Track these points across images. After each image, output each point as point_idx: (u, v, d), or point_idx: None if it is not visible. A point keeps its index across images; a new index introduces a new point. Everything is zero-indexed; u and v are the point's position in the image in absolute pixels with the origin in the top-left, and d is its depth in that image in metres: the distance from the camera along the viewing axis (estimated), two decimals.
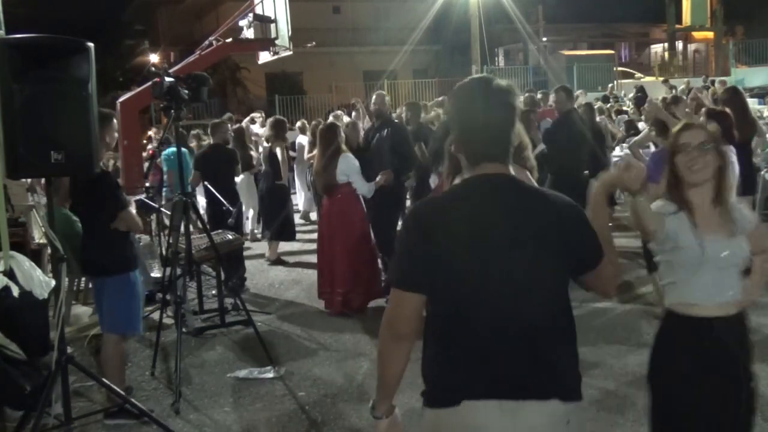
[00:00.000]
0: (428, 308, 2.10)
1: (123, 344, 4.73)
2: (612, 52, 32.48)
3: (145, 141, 15.86)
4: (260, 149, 10.21)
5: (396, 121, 7.92)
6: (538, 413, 1.99)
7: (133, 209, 5.10)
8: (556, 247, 2.04)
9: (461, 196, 2.12)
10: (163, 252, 7.36)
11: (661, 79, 23.83)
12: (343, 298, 6.49)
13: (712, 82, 18.56)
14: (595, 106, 11.32)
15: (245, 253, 8.73)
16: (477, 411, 1.98)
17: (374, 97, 7.51)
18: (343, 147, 6.55)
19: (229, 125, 9.57)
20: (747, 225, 2.73)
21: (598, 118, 10.12)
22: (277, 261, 8.81)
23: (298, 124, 12.96)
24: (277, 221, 8.67)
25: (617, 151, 11.19)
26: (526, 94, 11.22)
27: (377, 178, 6.63)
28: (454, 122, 2.21)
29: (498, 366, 2.00)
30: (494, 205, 2.05)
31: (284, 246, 9.16)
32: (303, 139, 11.60)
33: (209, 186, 7.66)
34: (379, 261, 6.99)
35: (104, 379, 4.46)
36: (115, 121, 4.75)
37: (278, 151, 8.51)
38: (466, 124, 2.14)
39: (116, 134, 4.82)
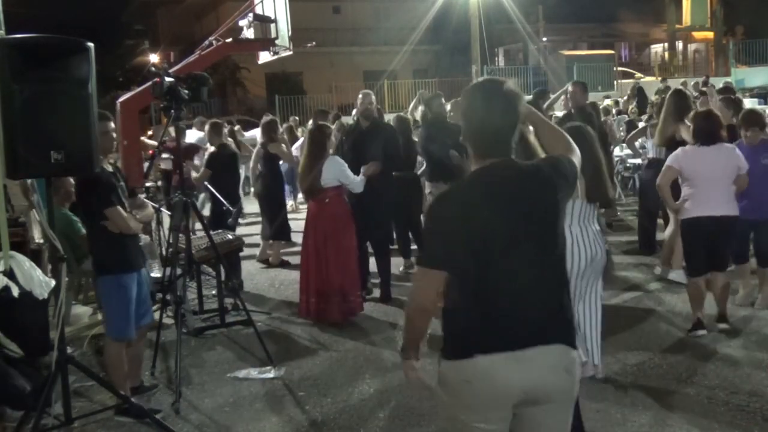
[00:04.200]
0: (450, 277, 2.42)
1: (130, 347, 4.65)
2: (612, 52, 32.43)
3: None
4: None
5: (385, 122, 7.83)
6: (541, 358, 2.34)
7: (148, 209, 5.07)
8: (553, 202, 2.42)
9: (472, 183, 2.47)
10: (163, 252, 7.37)
11: (659, 78, 23.83)
12: (342, 305, 6.30)
13: (704, 83, 18.53)
14: (601, 107, 11.31)
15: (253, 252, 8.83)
16: (487, 362, 2.33)
17: (360, 97, 7.23)
18: (330, 150, 6.45)
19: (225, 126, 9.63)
20: None
21: (604, 119, 10.12)
22: (281, 264, 8.67)
23: (285, 125, 13.20)
24: (276, 223, 8.65)
25: (617, 151, 11.20)
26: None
27: (363, 169, 6.47)
28: (465, 120, 2.51)
29: (504, 321, 2.35)
30: (502, 186, 2.40)
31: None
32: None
33: (209, 186, 7.69)
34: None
35: (104, 379, 4.47)
36: (110, 123, 4.65)
37: (275, 152, 8.48)
38: (475, 124, 2.47)
39: (113, 134, 4.71)
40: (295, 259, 8.77)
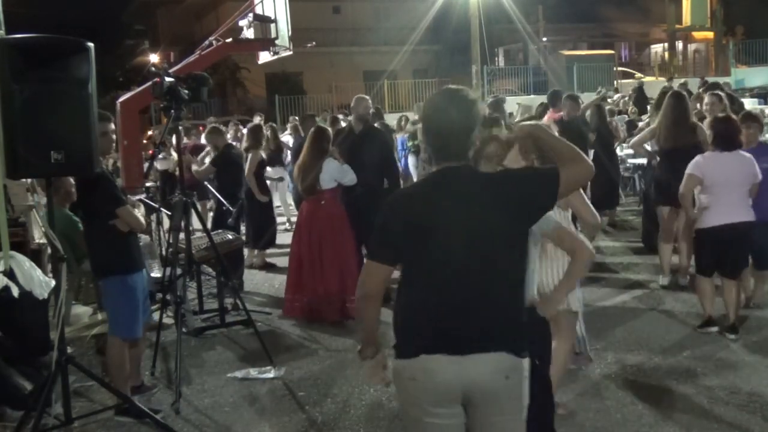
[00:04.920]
0: (400, 277, 2.58)
1: (132, 348, 4.66)
2: (612, 52, 32.38)
3: (145, 141, 15.95)
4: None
5: (377, 125, 7.83)
6: (481, 364, 2.42)
7: (141, 210, 5.07)
8: (506, 214, 2.43)
9: (426, 185, 2.61)
10: (163, 252, 7.37)
11: (667, 78, 23.77)
12: (341, 305, 6.32)
13: (703, 84, 18.53)
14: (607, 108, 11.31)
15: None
16: (430, 362, 2.44)
17: (354, 101, 7.15)
18: (331, 149, 6.51)
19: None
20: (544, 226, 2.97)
21: (609, 119, 10.11)
22: (265, 266, 8.68)
23: (290, 124, 13.34)
24: (268, 233, 8.65)
25: (617, 152, 11.19)
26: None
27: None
28: (423, 127, 2.68)
29: (449, 325, 2.43)
30: (451, 190, 2.47)
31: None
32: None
33: (209, 186, 7.69)
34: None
35: (104, 379, 4.47)
36: (110, 125, 4.68)
37: (250, 157, 8.49)
38: (432, 131, 2.59)
39: (113, 135, 4.76)
40: (281, 261, 8.79)
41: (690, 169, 5.46)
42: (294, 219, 11.31)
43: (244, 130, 14.34)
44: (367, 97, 7.28)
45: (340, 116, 13.35)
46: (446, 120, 2.51)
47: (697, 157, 5.53)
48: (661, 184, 6.75)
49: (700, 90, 14.28)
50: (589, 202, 3.72)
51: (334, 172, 6.36)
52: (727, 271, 5.44)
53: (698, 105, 8.51)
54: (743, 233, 5.35)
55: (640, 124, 11.48)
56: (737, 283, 5.50)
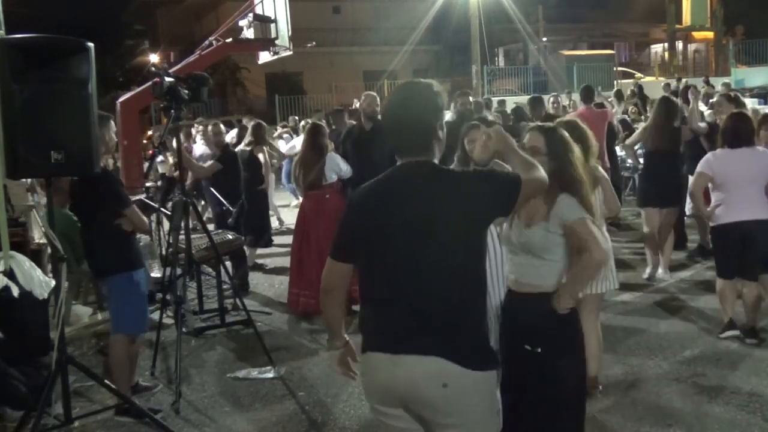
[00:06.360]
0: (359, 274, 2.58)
1: (131, 345, 4.68)
2: (612, 52, 32.41)
3: (145, 141, 15.95)
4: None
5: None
6: (414, 366, 2.36)
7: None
8: (466, 214, 2.37)
9: (384, 182, 2.50)
10: (163, 252, 7.37)
11: (663, 78, 23.81)
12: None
13: (705, 83, 18.56)
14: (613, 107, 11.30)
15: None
16: (373, 359, 2.46)
17: (363, 98, 7.22)
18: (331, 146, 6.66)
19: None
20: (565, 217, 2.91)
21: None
22: (254, 267, 8.62)
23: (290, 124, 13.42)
24: (264, 231, 8.66)
25: (617, 151, 11.18)
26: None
27: None
28: (383, 121, 2.64)
29: (393, 325, 2.42)
30: (408, 187, 2.41)
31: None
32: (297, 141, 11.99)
33: (209, 186, 7.69)
34: None
35: (104, 379, 4.47)
36: (113, 122, 4.73)
37: (260, 155, 8.57)
38: (389, 124, 2.55)
39: (114, 135, 4.82)
40: (274, 262, 8.78)
41: (700, 167, 5.41)
42: (283, 218, 11.42)
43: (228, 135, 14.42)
44: (375, 95, 7.31)
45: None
46: (403, 113, 2.45)
47: (708, 155, 5.48)
48: (645, 186, 7.24)
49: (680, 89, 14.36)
50: (612, 188, 4.22)
51: (335, 166, 6.50)
52: (747, 273, 5.29)
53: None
54: (759, 231, 5.18)
55: (641, 125, 11.45)
56: (758, 285, 5.31)
